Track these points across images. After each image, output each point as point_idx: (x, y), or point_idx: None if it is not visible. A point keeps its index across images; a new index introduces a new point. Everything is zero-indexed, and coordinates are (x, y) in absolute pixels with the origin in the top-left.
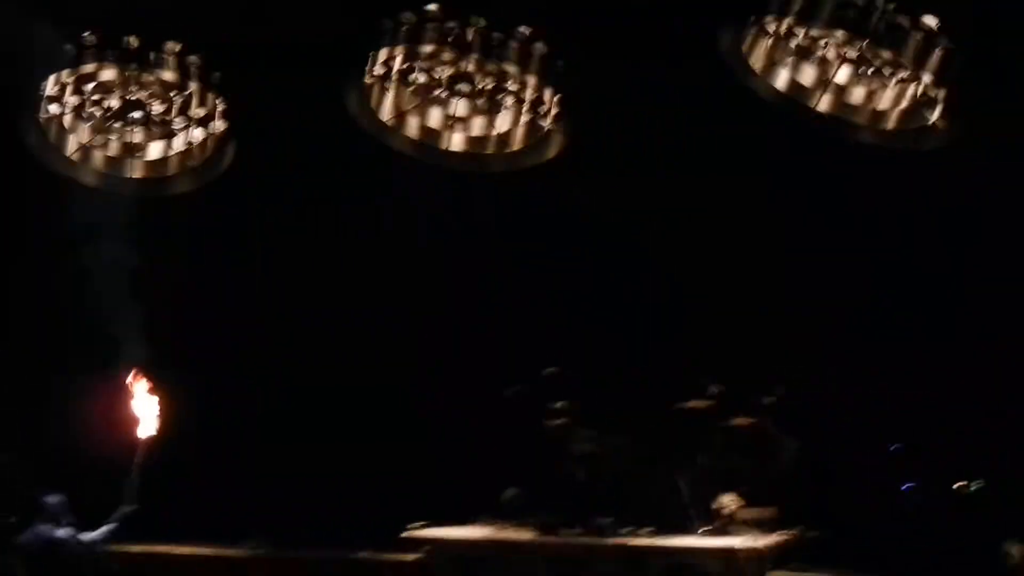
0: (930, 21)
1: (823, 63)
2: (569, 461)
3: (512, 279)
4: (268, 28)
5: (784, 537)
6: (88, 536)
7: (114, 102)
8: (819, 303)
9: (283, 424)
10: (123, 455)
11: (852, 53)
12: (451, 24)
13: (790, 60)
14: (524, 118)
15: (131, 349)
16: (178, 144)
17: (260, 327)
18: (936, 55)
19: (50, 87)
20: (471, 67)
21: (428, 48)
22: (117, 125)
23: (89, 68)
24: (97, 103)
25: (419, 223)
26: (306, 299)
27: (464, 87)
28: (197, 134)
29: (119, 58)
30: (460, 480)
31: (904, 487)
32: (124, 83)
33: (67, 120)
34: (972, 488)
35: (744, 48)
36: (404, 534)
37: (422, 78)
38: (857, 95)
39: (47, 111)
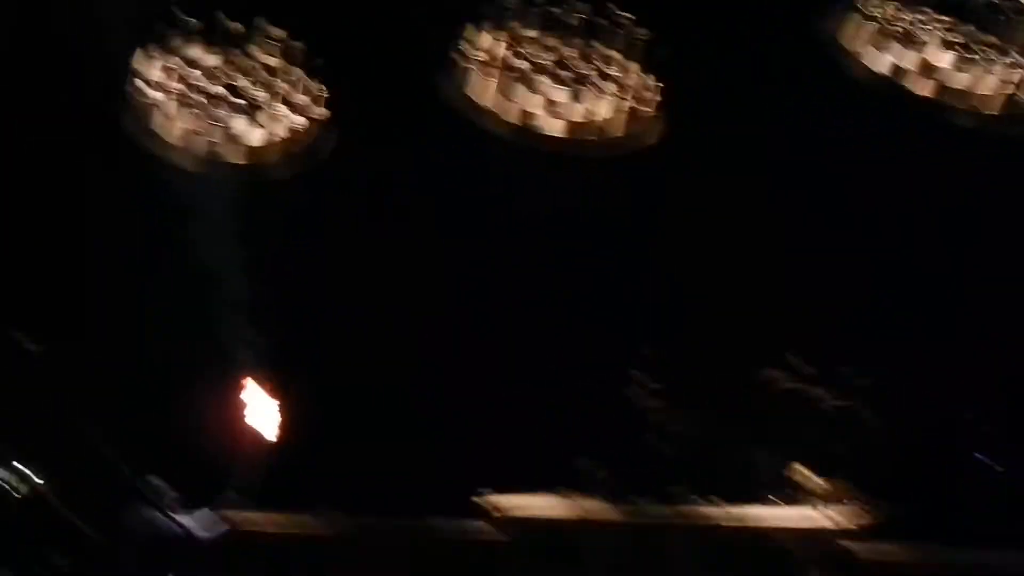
0: None
1: (925, 46)
2: (645, 431)
3: (604, 260)
4: (370, 14)
5: (858, 510)
6: (191, 520)
7: (217, 88)
8: (904, 280)
9: (367, 396)
10: (233, 443)
11: (955, 37)
12: (554, 9)
13: (893, 44)
14: (625, 105)
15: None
16: (280, 131)
17: (356, 308)
18: None
19: (152, 72)
20: (573, 52)
21: (531, 33)
22: (220, 112)
23: (193, 53)
24: (200, 89)
25: (517, 207)
26: (401, 281)
27: (565, 72)
28: (299, 121)
29: (223, 43)
30: (534, 449)
31: (980, 458)
32: (228, 69)
33: (170, 106)
34: None
35: (845, 33)
36: (476, 501)
37: (524, 63)
38: (960, 79)
39: (149, 96)
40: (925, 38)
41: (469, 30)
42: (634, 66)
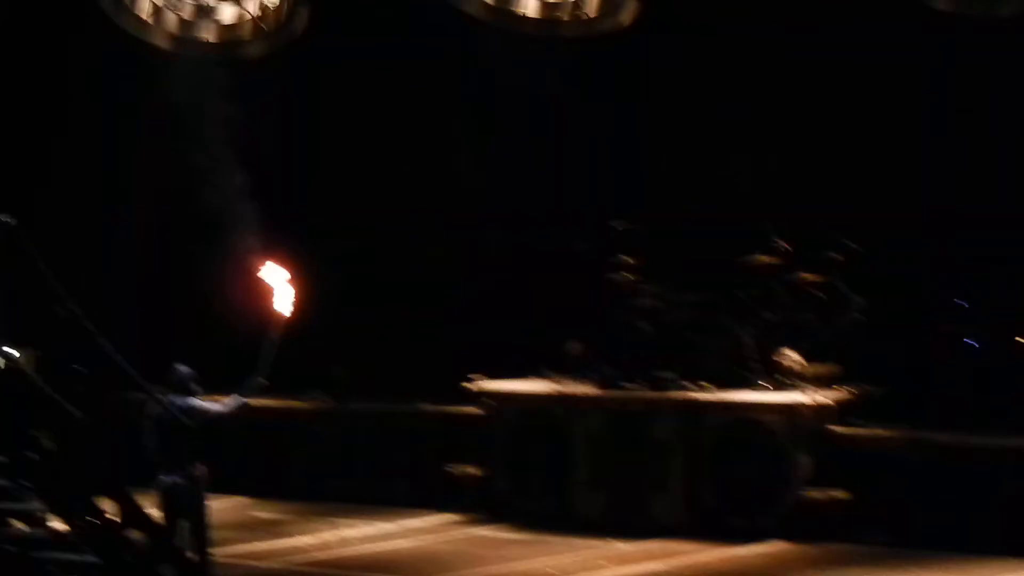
0: None
1: None
2: (632, 315)
3: (583, 140)
4: None
5: (846, 393)
6: (216, 406)
7: None
8: (888, 159)
9: (358, 284)
10: (258, 328)
11: None
12: None
13: None
14: None
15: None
16: (252, 7)
17: (333, 190)
18: None
19: None
20: None
21: None
22: None
23: None
24: None
25: (493, 88)
26: (377, 161)
27: None
28: None
29: None
30: (523, 333)
31: (967, 341)
32: None
33: None
34: None
35: None
36: (466, 386)
37: None
38: None
39: None
40: None
41: None
42: None
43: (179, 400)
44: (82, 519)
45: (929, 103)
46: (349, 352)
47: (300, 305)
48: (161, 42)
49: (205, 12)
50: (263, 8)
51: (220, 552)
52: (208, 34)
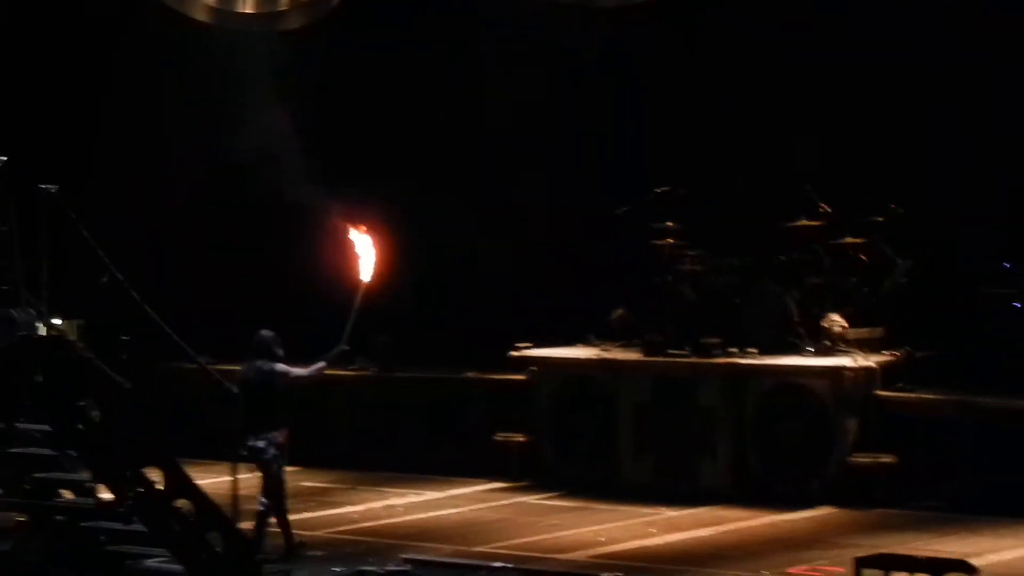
0: None
1: None
2: (677, 281)
3: (626, 104)
4: None
5: (892, 357)
6: (299, 371)
7: None
8: (931, 119)
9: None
10: (343, 297)
11: None
12: None
13: None
14: None
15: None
16: None
17: (371, 159)
18: None
19: None
20: None
21: None
22: None
23: None
24: None
25: (525, 58)
26: (415, 130)
27: None
28: None
29: None
30: (568, 300)
31: (1016, 304)
32: None
33: None
34: None
35: None
36: (512, 354)
37: None
38: None
39: None
40: None
41: None
42: None
43: (264, 364)
44: (129, 488)
45: (973, 59)
46: (395, 320)
47: (382, 272)
48: (200, 15)
49: None
50: None
51: (271, 521)
52: (246, 5)
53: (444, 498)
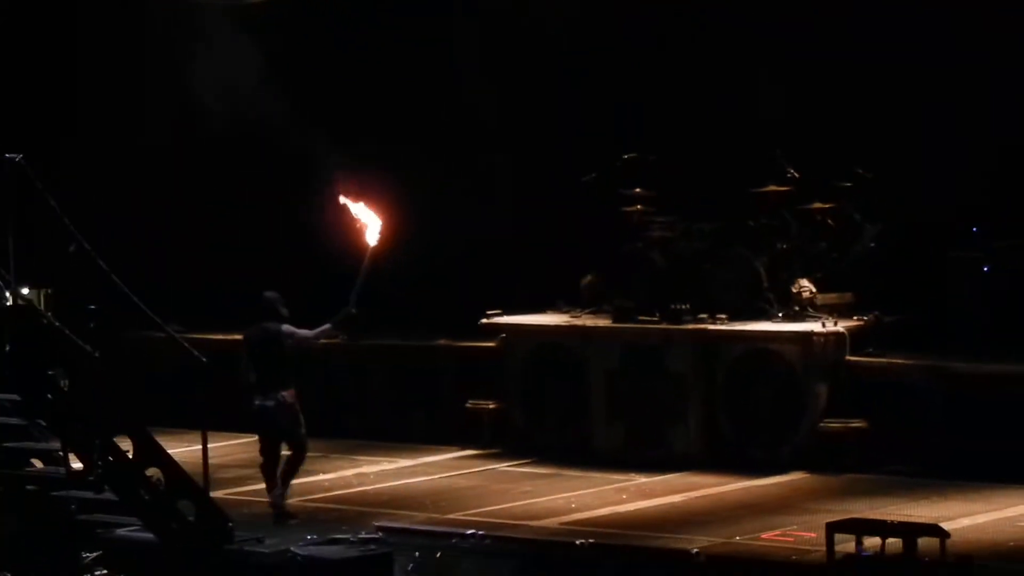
0: None
1: None
2: (646, 247)
3: (591, 71)
4: None
5: (861, 322)
6: (304, 332)
7: None
8: (898, 84)
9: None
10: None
11: None
12: None
13: None
14: None
15: None
16: None
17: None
18: None
19: None
20: None
21: None
22: None
23: None
24: None
25: (495, 23)
26: (387, 98)
27: None
28: None
29: None
30: (537, 267)
31: (984, 268)
32: None
33: None
34: None
35: None
36: (482, 322)
37: None
38: None
39: None
40: None
41: None
42: None
43: (271, 325)
44: (100, 457)
45: (938, 27)
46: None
47: (388, 236)
48: None
49: None
50: None
51: (241, 490)
52: None
53: (416, 466)
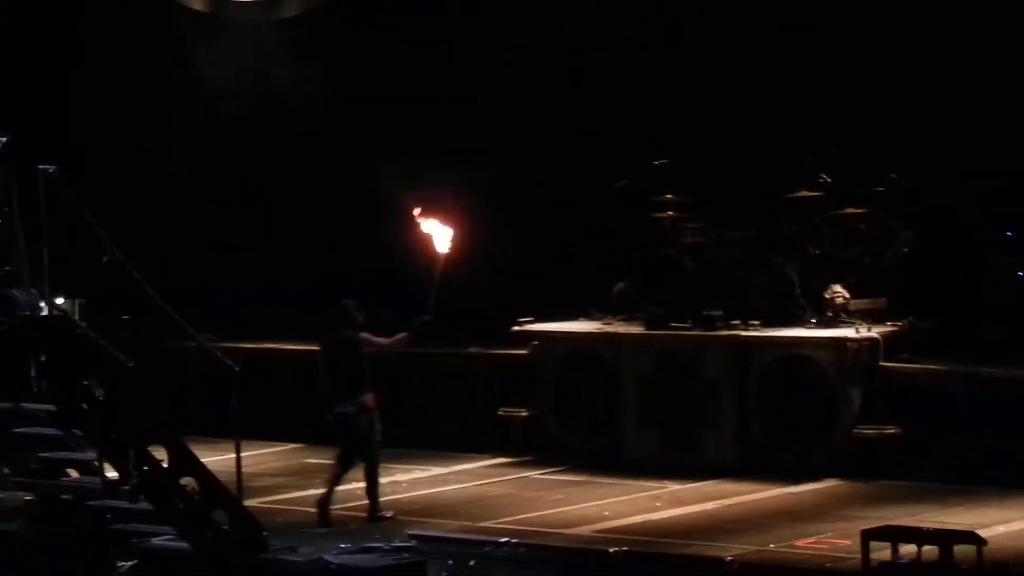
0: None
1: None
2: (678, 253)
3: (625, 77)
4: None
5: (895, 327)
6: (381, 340)
7: None
8: (931, 89)
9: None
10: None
11: None
12: None
13: None
14: None
15: None
16: None
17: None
18: None
19: None
20: None
21: None
22: None
23: None
24: None
25: (526, 31)
26: (414, 108)
27: None
28: None
29: None
30: (569, 274)
31: (1019, 273)
32: None
33: None
34: None
35: None
36: (514, 329)
37: None
38: None
39: None
40: None
41: None
42: None
43: (348, 332)
44: (135, 467)
45: (974, 27)
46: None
47: (458, 243)
48: (197, 4)
49: None
50: None
51: (274, 499)
52: None
53: (448, 474)
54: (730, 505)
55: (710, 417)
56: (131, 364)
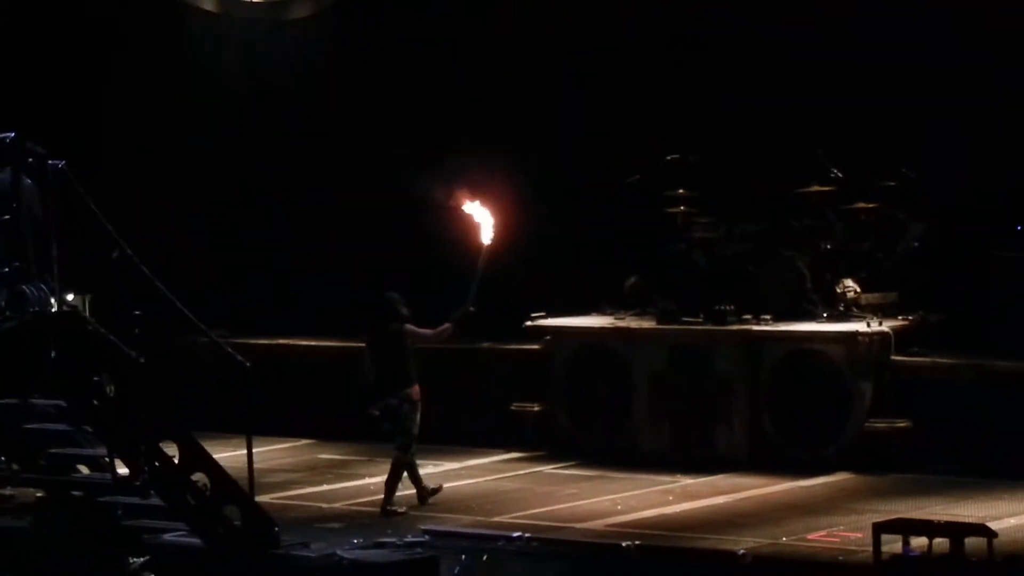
0: None
1: None
2: (689, 248)
3: (631, 76)
4: None
5: (906, 321)
6: (425, 331)
7: None
8: (941, 84)
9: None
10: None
11: None
12: None
13: None
14: None
15: None
16: None
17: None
18: None
19: None
20: None
21: None
22: None
23: None
24: None
25: (536, 28)
26: (424, 109)
27: None
28: None
29: None
30: (581, 270)
31: None
32: None
33: None
34: None
35: None
36: (527, 324)
37: None
38: None
39: None
40: None
41: None
42: None
43: (393, 325)
44: (146, 463)
45: (983, 20)
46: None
47: (501, 234)
48: (207, 4)
49: None
50: None
51: (286, 495)
52: None
53: (461, 469)
54: (742, 499)
55: (722, 412)
56: (142, 360)
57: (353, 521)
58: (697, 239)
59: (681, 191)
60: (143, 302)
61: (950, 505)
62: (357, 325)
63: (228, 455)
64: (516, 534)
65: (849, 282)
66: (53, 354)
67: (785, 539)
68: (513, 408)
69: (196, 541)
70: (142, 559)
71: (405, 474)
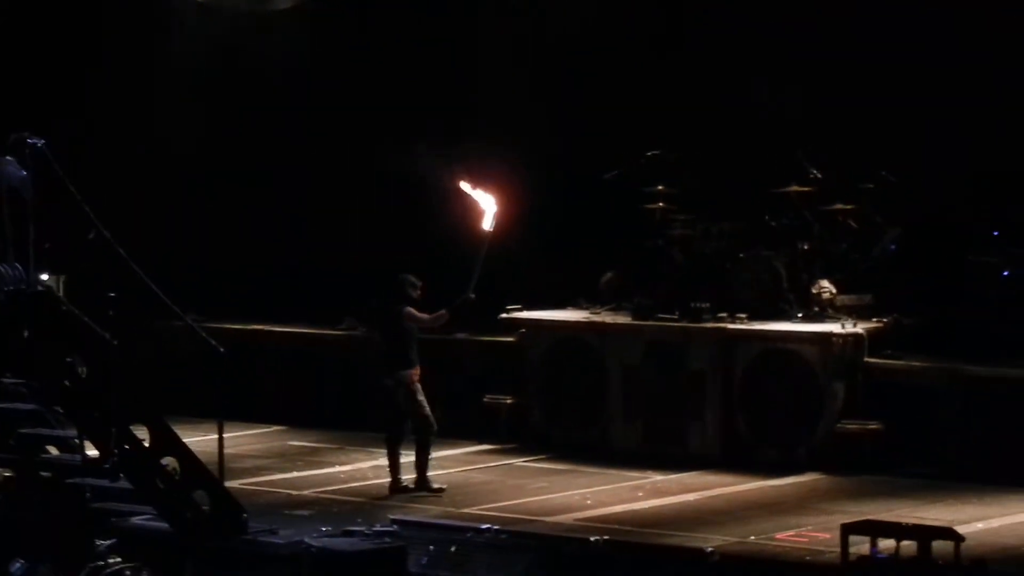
0: None
1: None
2: (667, 245)
3: (614, 70)
4: None
5: (880, 324)
6: (423, 316)
7: None
8: (920, 87)
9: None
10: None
11: None
12: None
13: None
14: None
15: None
16: None
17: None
18: None
19: None
20: None
21: None
22: None
23: None
24: None
25: (516, 21)
26: (409, 103)
27: None
28: None
29: None
30: (558, 264)
31: (1004, 272)
32: None
33: None
34: None
35: None
36: (501, 316)
37: None
38: None
39: None
40: None
41: None
42: None
43: (396, 306)
44: (116, 445)
45: (967, 27)
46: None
47: (503, 221)
48: None
49: None
50: None
51: (256, 480)
52: None
53: (432, 459)
54: (712, 497)
55: (695, 409)
56: (115, 342)
57: (322, 509)
58: (675, 236)
59: (660, 188)
60: (118, 284)
61: (919, 508)
62: (366, 305)
63: (198, 440)
64: (485, 526)
65: (825, 283)
66: (26, 334)
67: (754, 538)
68: (486, 400)
69: (164, 525)
70: (109, 542)
71: (412, 457)
